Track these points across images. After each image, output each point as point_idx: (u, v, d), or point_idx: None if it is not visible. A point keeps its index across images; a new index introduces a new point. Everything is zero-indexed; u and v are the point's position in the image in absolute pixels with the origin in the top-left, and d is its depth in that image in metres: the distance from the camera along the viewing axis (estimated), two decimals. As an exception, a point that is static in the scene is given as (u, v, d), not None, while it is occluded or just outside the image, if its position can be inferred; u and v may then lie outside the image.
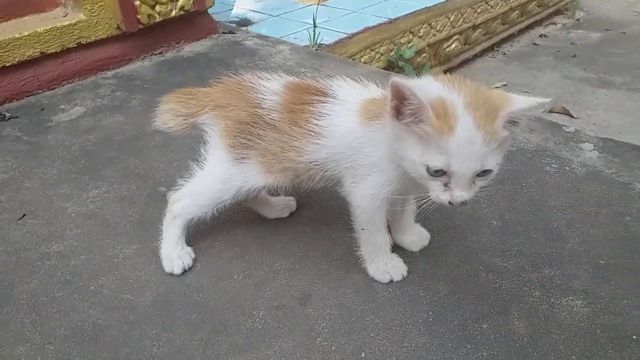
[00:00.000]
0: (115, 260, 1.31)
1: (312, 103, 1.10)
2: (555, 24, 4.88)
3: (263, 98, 1.14)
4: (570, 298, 1.16)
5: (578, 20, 4.95)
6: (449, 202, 0.96)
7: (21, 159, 1.74)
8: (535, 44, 4.47)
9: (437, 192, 0.96)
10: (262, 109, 1.13)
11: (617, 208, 1.42)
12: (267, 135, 1.13)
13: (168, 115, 1.24)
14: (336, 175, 1.13)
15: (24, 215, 1.48)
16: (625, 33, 4.62)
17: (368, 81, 1.14)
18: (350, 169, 1.09)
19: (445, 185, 0.95)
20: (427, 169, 0.93)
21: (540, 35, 4.60)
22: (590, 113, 3.34)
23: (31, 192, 1.57)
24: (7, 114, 1.99)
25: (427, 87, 0.93)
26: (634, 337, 1.07)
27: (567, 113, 3.30)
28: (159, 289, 1.22)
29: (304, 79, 1.20)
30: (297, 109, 1.10)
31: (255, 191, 1.20)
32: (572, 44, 4.43)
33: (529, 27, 4.65)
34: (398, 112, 0.93)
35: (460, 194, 0.94)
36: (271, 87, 1.15)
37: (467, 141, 0.89)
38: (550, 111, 3.37)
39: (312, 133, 1.08)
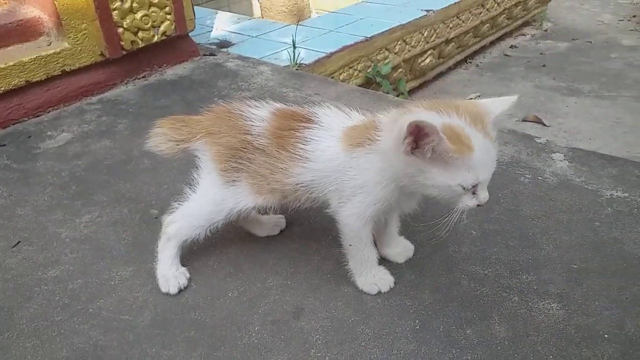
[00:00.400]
0: (112, 282, 1.35)
1: (298, 129, 1.16)
2: (525, 34, 5.05)
3: (252, 125, 1.20)
4: (547, 302, 1.24)
5: (546, 30, 5.14)
6: (478, 205, 1.07)
7: (12, 186, 1.77)
8: (506, 54, 4.63)
9: (466, 202, 1.07)
10: (251, 135, 1.19)
11: (587, 214, 1.51)
12: (257, 158, 1.19)
13: (161, 139, 1.30)
14: (322, 197, 1.20)
15: (19, 242, 1.51)
16: (591, 42, 4.81)
17: (350, 109, 1.21)
18: (336, 191, 1.16)
19: (473, 193, 1.06)
20: (463, 187, 1.02)
21: (511, 47, 4.76)
22: (561, 121, 3.48)
23: (24, 220, 1.61)
24: (-5, 143, 2.02)
25: (430, 118, 0.98)
26: (606, 335, 1.15)
27: (540, 121, 3.44)
28: (157, 309, 1.27)
29: (289, 105, 1.27)
30: (284, 135, 1.17)
31: (246, 212, 1.26)
32: (541, 54, 4.60)
33: (500, 39, 4.81)
34: (414, 148, 1.00)
35: (485, 194, 1.08)
36: (259, 114, 1.22)
37: (485, 152, 1.01)
38: (524, 120, 3.50)
39: (298, 157, 1.15)
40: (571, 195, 1.60)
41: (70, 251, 1.47)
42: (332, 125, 1.17)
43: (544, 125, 3.39)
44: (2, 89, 2.09)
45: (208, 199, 1.26)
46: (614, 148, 3.12)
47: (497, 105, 1.07)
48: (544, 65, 4.31)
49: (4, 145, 2.04)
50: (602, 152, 3.09)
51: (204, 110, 1.30)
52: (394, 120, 1.07)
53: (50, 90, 2.24)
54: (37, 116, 2.23)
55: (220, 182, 1.23)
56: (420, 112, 1.05)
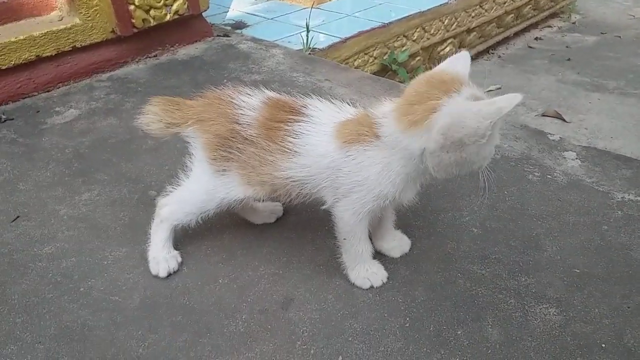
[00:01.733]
0: (105, 262, 1.35)
1: (287, 121, 1.13)
2: (551, 26, 4.91)
3: (241, 114, 1.17)
4: (544, 306, 1.20)
5: (574, 23, 4.98)
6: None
7: (16, 161, 1.78)
8: (530, 46, 4.50)
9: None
10: (239, 124, 1.16)
11: (596, 217, 1.46)
12: (246, 149, 1.16)
13: (152, 118, 1.27)
14: (315, 193, 1.17)
15: (18, 217, 1.52)
16: (620, 37, 4.65)
17: (341, 101, 1.17)
18: (330, 188, 1.14)
19: None
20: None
21: (536, 38, 4.63)
22: (583, 117, 3.38)
23: (25, 195, 1.61)
24: (3, 116, 2.03)
25: (467, 107, 1.00)
26: (603, 345, 1.11)
27: (560, 117, 3.34)
28: (147, 292, 1.26)
29: (282, 94, 1.23)
30: (273, 126, 1.14)
31: (237, 202, 1.24)
32: (567, 47, 4.46)
33: (525, 30, 4.68)
34: None
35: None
36: (250, 103, 1.18)
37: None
38: (543, 115, 3.41)
39: (288, 150, 1.12)
40: (580, 196, 1.54)
41: (67, 229, 1.47)
42: (322, 119, 1.13)
43: (564, 121, 3.30)
44: (13, 62, 2.10)
45: (199, 187, 1.24)
46: (636, 148, 3.02)
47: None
48: (568, 59, 4.18)
49: (12, 119, 2.04)
50: (623, 152, 3.01)
51: (196, 96, 1.27)
52: (413, 120, 1.02)
53: (60, 65, 2.24)
54: (47, 91, 2.23)
55: (211, 171, 1.21)
56: (451, 102, 1.00)
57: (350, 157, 1.09)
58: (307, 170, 1.13)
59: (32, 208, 1.55)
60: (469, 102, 1.00)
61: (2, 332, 1.17)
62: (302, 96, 1.21)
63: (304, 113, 1.14)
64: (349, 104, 1.17)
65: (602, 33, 4.73)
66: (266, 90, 1.23)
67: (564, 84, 3.81)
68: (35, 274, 1.32)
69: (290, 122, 1.13)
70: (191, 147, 1.25)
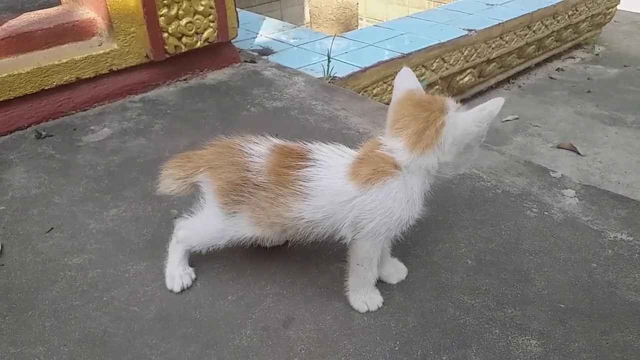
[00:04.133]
0: (127, 275, 1.49)
1: (295, 167, 1.22)
2: (574, 57, 4.96)
3: (251, 161, 1.26)
4: (527, 337, 1.28)
5: (597, 55, 5.02)
6: None
7: (53, 175, 1.95)
8: (551, 77, 4.56)
9: None
10: (250, 171, 1.25)
11: (586, 255, 1.53)
12: (257, 193, 1.25)
13: (170, 180, 1.37)
14: (332, 232, 1.25)
15: (52, 228, 1.67)
16: (643, 70, 4.67)
17: (338, 144, 1.28)
18: (349, 226, 1.22)
19: None
20: None
21: (558, 69, 4.69)
22: (598, 150, 3.42)
23: (59, 208, 1.77)
24: (44, 133, 2.21)
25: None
26: (579, 377, 1.18)
27: (574, 149, 3.39)
28: (162, 304, 1.39)
29: (287, 141, 1.33)
30: (282, 172, 1.23)
31: (246, 240, 1.33)
32: (588, 79, 4.50)
33: (547, 60, 4.74)
34: None
35: None
36: (258, 150, 1.27)
37: None
38: (558, 147, 3.47)
39: (299, 193, 1.20)
40: (574, 233, 1.62)
41: (95, 242, 1.62)
42: (329, 162, 1.22)
43: (578, 153, 3.35)
44: (55, 83, 2.28)
45: (210, 226, 1.34)
46: (649, 184, 3.05)
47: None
48: (588, 91, 4.23)
49: (52, 136, 2.22)
50: (636, 187, 3.04)
51: (207, 144, 1.37)
52: (426, 144, 1.17)
53: (97, 87, 2.42)
54: (84, 110, 2.41)
55: (222, 214, 1.30)
56: (451, 117, 1.17)
57: (374, 193, 1.18)
58: (322, 211, 1.21)
59: (65, 221, 1.71)
60: (463, 113, 1.17)
61: (32, 334, 1.31)
62: (306, 141, 1.30)
63: (310, 158, 1.23)
64: (347, 147, 1.28)
65: (625, 66, 4.76)
66: (272, 138, 1.33)
67: (582, 116, 3.86)
68: (65, 282, 1.47)
69: (299, 167, 1.22)
70: (203, 192, 1.34)
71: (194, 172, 1.33)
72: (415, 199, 1.21)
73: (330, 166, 1.23)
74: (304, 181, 1.21)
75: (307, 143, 1.29)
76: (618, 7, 5.19)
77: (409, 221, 1.23)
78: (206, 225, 1.35)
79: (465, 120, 1.15)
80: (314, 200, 1.21)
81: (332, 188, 1.20)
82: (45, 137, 2.20)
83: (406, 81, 1.24)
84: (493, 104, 1.13)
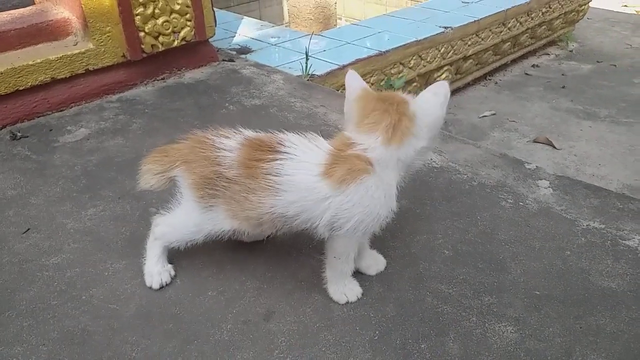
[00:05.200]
0: (106, 273, 1.48)
1: (266, 160, 1.21)
2: (549, 54, 5.05)
3: (223, 155, 1.25)
4: (503, 324, 1.31)
5: (571, 51, 5.12)
6: None
7: (29, 176, 1.92)
8: (527, 73, 4.64)
9: None
10: (222, 166, 1.25)
11: (560, 243, 1.57)
12: (231, 187, 1.25)
13: (148, 175, 1.37)
14: (306, 227, 1.24)
15: (28, 229, 1.65)
16: (615, 65, 4.78)
17: (313, 134, 1.27)
18: (326, 225, 1.21)
19: None
20: None
21: (533, 66, 4.77)
22: (573, 144, 3.49)
23: (36, 208, 1.75)
24: (19, 134, 2.18)
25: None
26: (553, 360, 1.22)
27: (550, 143, 3.46)
28: (142, 301, 1.39)
29: (259, 131, 1.32)
30: (253, 165, 1.22)
31: (224, 234, 1.33)
32: (562, 74, 4.59)
33: (523, 57, 4.82)
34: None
35: None
36: (229, 144, 1.27)
37: None
38: (535, 141, 3.53)
39: (270, 187, 1.19)
40: (548, 222, 1.65)
41: (73, 241, 1.60)
42: (301, 157, 1.21)
43: (554, 147, 3.42)
44: (30, 84, 2.26)
45: (188, 220, 1.33)
46: (622, 175, 3.13)
47: None
48: (563, 87, 4.32)
49: (28, 137, 2.20)
50: (610, 178, 3.12)
51: (182, 138, 1.36)
52: (403, 134, 1.19)
53: (73, 87, 2.40)
54: (60, 111, 2.39)
55: (198, 208, 1.30)
56: (416, 105, 1.21)
57: (351, 194, 1.16)
58: (294, 206, 1.20)
59: (42, 221, 1.69)
60: (426, 100, 1.22)
61: (10, 334, 1.30)
62: (280, 131, 1.30)
63: (281, 150, 1.22)
64: (319, 135, 1.27)
65: (598, 62, 4.86)
66: (244, 131, 1.32)
67: (557, 111, 3.94)
68: (42, 282, 1.45)
69: (269, 160, 1.20)
70: (179, 186, 1.34)
71: (170, 167, 1.33)
72: (392, 193, 1.22)
73: (302, 161, 1.21)
74: (274, 175, 1.19)
75: (279, 132, 1.29)
76: (590, 4, 5.30)
77: (388, 216, 1.24)
78: (183, 220, 1.35)
79: (434, 106, 1.21)
80: (285, 195, 1.19)
81: (304, 183, 1.18)
82: (20, 138, 2.17)
83: (358, 80, 1.27)
84: (442, 87, 1.21)
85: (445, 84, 1.22)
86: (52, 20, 2.39)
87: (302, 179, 1.19)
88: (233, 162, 1.25)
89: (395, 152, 1.19)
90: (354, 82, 1.26)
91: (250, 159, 1.23)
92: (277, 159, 1.21)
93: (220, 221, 1.31)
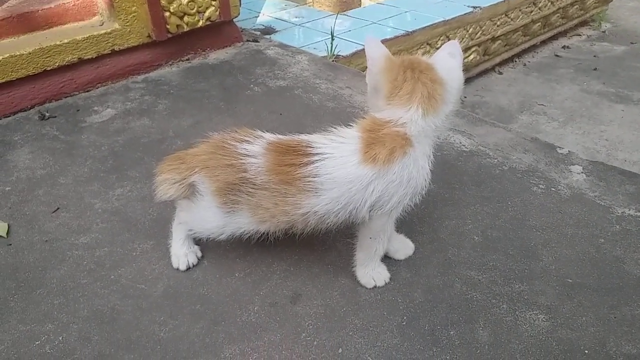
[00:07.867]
0: (134, 253, 1.49)
1: (300, 164, 1.18)
2: (580, 35, 4.89)
3: (248, 162, 1.21)
4: (534, 312, 1.28)
5: (604, 32, 4.95)
6: None
7: (57, 156, 1.94)
8: (557, 55, 4.51)
9: None
10: (248, 172, 1.20)
11: (594, 230, 1.53)
12: (257, 193, 1.21)
13: (166, 185, 1.32)
14: (348, 218, 1.22)
15: (58, 208, 1.67)
16: (650, 47, 4.61)
17: (335, 127, 1.23)
18: (370, 206, 1.19)
19: None
20: None
21: (563, 47, 4.63)
22: (604, 128, 3.40)
23: (65, 188, 1.77)
24: (47, 114, 2.20)
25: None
26: (586, 351, 1.18)
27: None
28: (170, 282, 1.39)
29: (278, 135, 1.28)
30: (285, 170, 1.18)
31: (249, 234, 1.30)
32: (594, 56, 4.45)
33: (553, 38, 4.68)
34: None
35: None
36: (253, 150, 1.22)
37: None
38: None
39: (310, 190, 1.17)
40: (581, 209, 1.61)
41: (101, 221, 1.62)
42: (335, 153, 1.18)
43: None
44: (57, 64, 2.27)
45: (209, 223, 1.31)
46: (656, 161, 3.04)
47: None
48: (595, 69, 4.19)
49: (55, 117, 2.22)
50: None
51: (199, 142, 1.33)
52: (438, 101, 1.17)
53: (100, 67, 2.41)
54: (87, 91, 2.40)
55: (221, 212, 1.27)
56: (441, 69, 1.19)
57: (398, 169, 1.15)
58: (338, 202, 1.17)
59: (71, 201, 1.71)
60: (445, 62, 1.19)
61: (41, 312, 1.32)
62: (298, 133, 1.26)
63: (313, 153, 1.18)
64: (342, 126, 1.24)
65: (632, 43, 4.70)
66: (264, 134, 1.28)
67: (588, 94, 3.82)
68: (72, 261, 1.47)
69: (304, 164, 1.17)
70: (198, 190, 1.29)
71: (189, 174, 1.28)
72: (427, 164, 1.21)
73: (338, 157, 1.18)
74: (313, 177, 1.16)
75: (299, 134, 1.25)
76: (625, -17, 5.11)
77: (424, 187, 1.23)
78: (205, 221, 1.31)
79: (456, 68, 1.20)
80: (328, 193, 1.17)
81: (346, 177, 1.16)
82: (48, 118, 2.19)
83: (378, 48, 1.21)
84: (456, 46, 1.20)
85: (457, 43, 1.20)
86: (78, 0, 2.39)
87: (342, 173, 1.16)
88: (260, 168, 1.20)
89: (433, 121, 1.18)
90: (375, 51, 1.20)
91: (280, 164, 1.19)
92: (313, 162, 1.17)
93: (245, 225, 1.27)
